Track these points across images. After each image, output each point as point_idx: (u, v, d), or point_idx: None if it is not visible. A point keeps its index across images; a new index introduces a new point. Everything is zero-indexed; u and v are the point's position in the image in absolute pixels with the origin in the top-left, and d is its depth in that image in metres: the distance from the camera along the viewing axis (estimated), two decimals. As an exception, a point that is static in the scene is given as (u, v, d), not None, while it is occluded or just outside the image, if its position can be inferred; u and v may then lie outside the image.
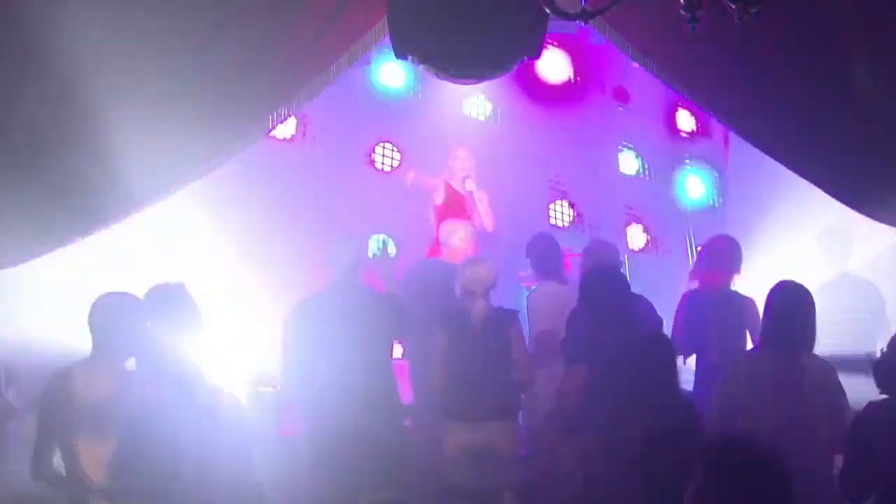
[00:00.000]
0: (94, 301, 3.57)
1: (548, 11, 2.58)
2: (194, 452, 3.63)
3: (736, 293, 4.86)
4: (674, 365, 3.56)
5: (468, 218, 6.02)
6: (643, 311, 4.52)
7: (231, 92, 3.83)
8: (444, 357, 4.35)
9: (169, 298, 3.64)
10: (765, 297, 3.87)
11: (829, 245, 5.21)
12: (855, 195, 4.24)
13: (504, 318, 4.36)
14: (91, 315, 3.55)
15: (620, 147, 7.44)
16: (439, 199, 6.17)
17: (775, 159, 4.28)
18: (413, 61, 3.53)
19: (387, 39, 3.82)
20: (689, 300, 4.89)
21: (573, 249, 5.87)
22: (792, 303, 3.74)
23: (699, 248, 5.22)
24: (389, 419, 4.32)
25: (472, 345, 4.30)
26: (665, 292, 5.14)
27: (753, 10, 2.37)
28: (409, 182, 6.28)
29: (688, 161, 7.52)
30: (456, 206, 6.10)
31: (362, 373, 4.17)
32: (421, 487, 4.65)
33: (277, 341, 5.41)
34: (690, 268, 5.18)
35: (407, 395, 5.27)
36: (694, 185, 7.53)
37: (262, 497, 3.79)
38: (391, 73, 6.84)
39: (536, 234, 5.59)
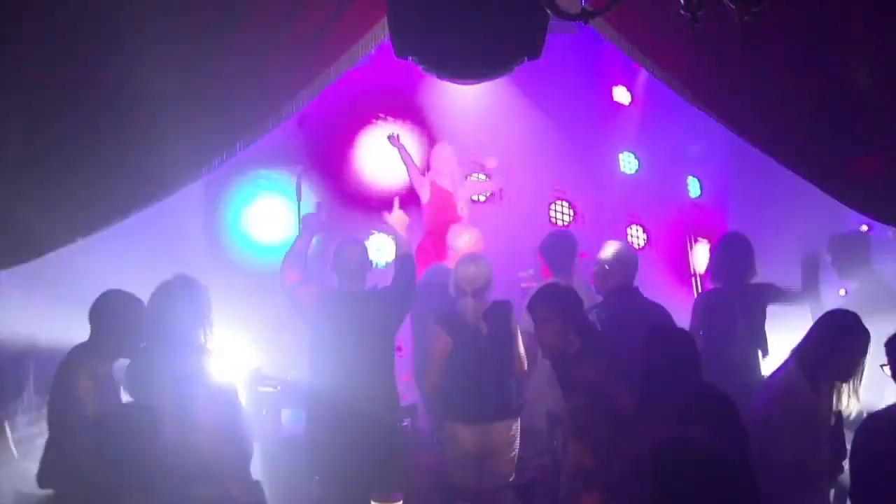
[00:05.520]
0: (99, 296, 3.64)
1: (548, 11, 2.58)
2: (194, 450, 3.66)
3: (754, 285, 4.79)
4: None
5: (455, 216, 6.08)
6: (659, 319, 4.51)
7: (232, 92, 3.83)
8: (445, 358, 4.33)
9: (186, 291, 3.70)
10: (816, 321, 3.80)
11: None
12: (855, 195, 4.24)
13: (501, 314, 4.36)
14: (93, 310, 3.62)
15: (620, 147, 7.47)
16: (425, 198, 6.21)
17: (775, 160, 4.28)
18: (413, 61, 3.53)
19: (387, 39, 3.83)
20: (705, 299, 4.85)
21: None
22: (844, 339, 3.64)
23: (710, 249, 5.13)
24: (389, 419, 4.32)
25: (472, 345, 4.29)
26: (665, 292, 5.13)
27: (754, 11, 2.37)
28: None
29: (687, 161, 7.53)
30: (444, 205, 6.14)
31: (364, 375, 4.16)
32: (421, 487, 4.66)
33: (277, 340, 5.44)
34: (690, 268, 5.11)
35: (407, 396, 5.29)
36: (692, 185, 7.54)
37: (261, 496, 3.80)
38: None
39: (557, 232, 5.58)
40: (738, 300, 4.64)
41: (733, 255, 4.81)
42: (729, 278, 4.75)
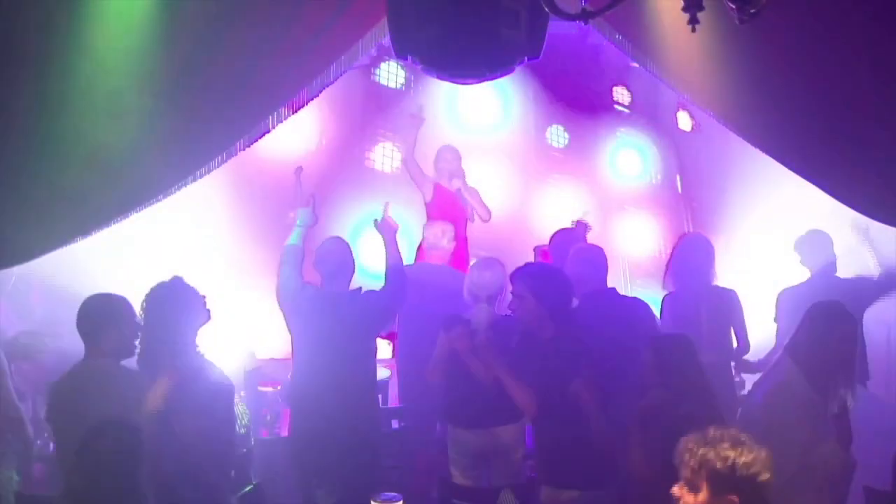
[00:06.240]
0: (82, 303, 3.59)
1: (548, 11, 2.58)
2: (193, 450, 3.66)
3: (718, 287, 4.78)
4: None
5: (461, 213, 6.06)
6: (642, 314, 4.49)
7: (232, 92, 3.84)
8: (449, 362, 4.30)
9: (169, 296, 3.67)
10: (808, 311, 3.77)
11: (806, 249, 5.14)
12: (855, 195, 4.24)
13: (511, 326, 4.33)
14: (80, 317, 3.57)
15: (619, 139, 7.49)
16: (429, 197, 6.22)
17: (775, 159, 4.28)
18: (413, 61, 3.53)
19: (387, 39, 3.83)
20: (671, 301, 4.77)
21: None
22: (832, 328, 3.64)
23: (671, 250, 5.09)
24: (366, 420, 4.30)
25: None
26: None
27: (753, 11, 2.37)
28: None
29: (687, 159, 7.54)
30: (447, 204, 6.14)
31: (342, 375, 4.15)
32: (421, 487, 4.66)
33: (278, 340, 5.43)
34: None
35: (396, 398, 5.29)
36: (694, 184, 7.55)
37: (261, 496, 3.80)
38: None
39: (566, 229, 5.58)
40: (701, 302, 4.62)
41: (693, 256, 4.78)
42: (690, 280, 4.73)
